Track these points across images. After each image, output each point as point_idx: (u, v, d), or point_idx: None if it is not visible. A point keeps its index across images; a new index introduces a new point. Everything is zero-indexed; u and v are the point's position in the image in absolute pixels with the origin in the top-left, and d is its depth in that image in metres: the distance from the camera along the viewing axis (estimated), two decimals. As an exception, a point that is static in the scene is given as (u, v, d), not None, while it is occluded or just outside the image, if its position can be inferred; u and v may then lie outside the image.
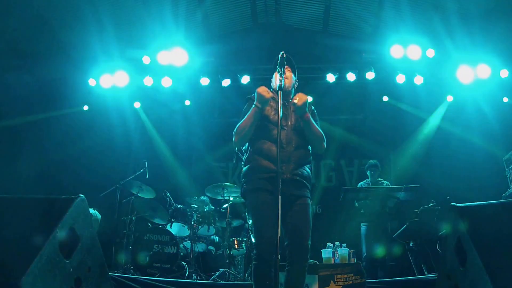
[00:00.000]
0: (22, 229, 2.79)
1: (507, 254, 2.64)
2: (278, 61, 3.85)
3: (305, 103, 3.99)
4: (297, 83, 4.46)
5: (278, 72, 3.80)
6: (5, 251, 2.63)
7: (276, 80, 3.99)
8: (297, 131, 4.08)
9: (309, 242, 3.85)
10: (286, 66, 3.94)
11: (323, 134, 4.14)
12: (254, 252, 3.82)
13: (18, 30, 9.38)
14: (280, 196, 3.30)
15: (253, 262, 3.81)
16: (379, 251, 7.84)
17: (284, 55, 3.88)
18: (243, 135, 4.06)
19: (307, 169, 4.08)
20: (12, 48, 9.62)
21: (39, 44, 9.89)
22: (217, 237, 8.60)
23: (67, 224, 2.84)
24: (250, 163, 4.04)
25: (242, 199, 7.96)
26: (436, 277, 5.42)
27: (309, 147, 4.18)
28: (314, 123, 4.08)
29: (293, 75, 4.32)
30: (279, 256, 3.17)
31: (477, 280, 2.65)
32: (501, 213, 2.91)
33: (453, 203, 3.07)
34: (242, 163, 4.22)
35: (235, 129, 4.10)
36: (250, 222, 7.44)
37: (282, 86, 3.71)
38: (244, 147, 4.30)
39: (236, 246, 7.89)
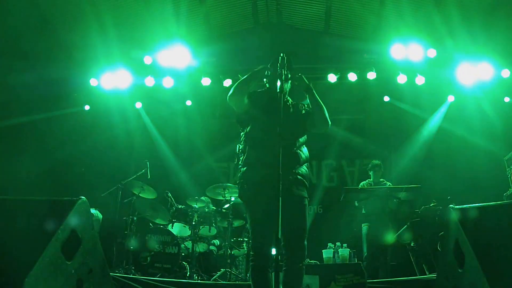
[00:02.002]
0: (25, 231, 2.82)
1: (504, 255, 2.66)
2: (279, 63, 3.87)
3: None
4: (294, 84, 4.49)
5: (278, 74, 3.81)
6: (8, 252, 2.66)
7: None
8: (295, 131, 4.11)
9: (305, 243, 3.87)
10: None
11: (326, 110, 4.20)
12: (251, 252, 3.85)
13: (20, 30, 9.41)
14: (280, 197, 3.30)
15: (250, 263, 3.83)
16: (380, 251, 7.85)
17: (285, 57, 3.91)
18: (235, 91, 4.19)
19: (304, 168, 4.10)
20: (14, 48, 9.65)
21: (41, 44, 9.90)
22: (218, 237, 8.61)
23: (68, 226, 2.87)
24: (248, 164, 4.06)
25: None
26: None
27: (305, 147, 4.20)
28: (319, 99, 4.20)
29: (290, 75, 4.35)
30: (279, 257, 3.18)
31: (475, 281, 2.67)
32: (498, 215, 2.93)
33: (451, 205, 3.09)
34: (240, 163, 4.22)
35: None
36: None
37: (283, 88, 3.72)
38: (241, 147, 4.31)
39: (237, 246, 7.92)
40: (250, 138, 4.14)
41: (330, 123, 4.23)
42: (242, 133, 4.28)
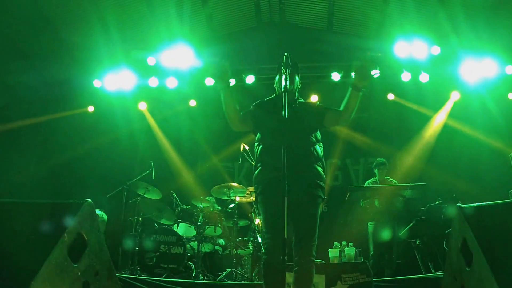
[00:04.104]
0: (31, 233, 2.82)
1: (512, 254, 2.65)
2: (283, 62, 3.87)
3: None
4: (300, 85, 4.48)
5: (282, 74, 3.80)
6: (14, 255, 2.66)
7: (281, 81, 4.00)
8: (304, 131, 4.10)
9: (314, 243, 3.86)
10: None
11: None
12: (264, 247, 3.86)
13: (23, 31, 9.42)
14: (287, 197, 3.29)
15: (263, 257, 3.86)
16: (386, 249, 7.84)
17: (289, 57, 3.90)
18: (229, 120, 4.29)
19: (317, 168, 4.07)
20: (16, 49, 9.66)
21: (44, 45, 9.91)
22: (223, 237, 8.61)
23: (74, 228, 2.87)
24: (259, 166, 4.09)
25: (248, 199, 8.05)
26: (443, 275, 5.42)
27: (318, 146, 4.18)
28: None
29: (297, 77, 4.34)
30: (285, 257, 3.18)
31: (483, 280, 2.65)
32: (506, 214, 2.91)
33: (458, 204, 3.07)
34: (253, 167, 4.26)
35: None
36: (257, 222, 7.52)
37: (288, 87, 3.71)
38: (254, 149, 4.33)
39: (242, 246, 7.92)
40: (260, 143, 4.19)
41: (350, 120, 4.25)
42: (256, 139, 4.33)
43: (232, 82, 10.29)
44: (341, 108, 4.17)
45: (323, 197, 4.04)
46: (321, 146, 4.20)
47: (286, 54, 3.89)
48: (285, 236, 3.13)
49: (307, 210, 3.91)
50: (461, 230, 3.01)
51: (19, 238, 2.79)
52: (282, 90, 3.69)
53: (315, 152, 4.10)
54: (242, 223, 8.44)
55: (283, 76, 3.75)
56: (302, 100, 4.44)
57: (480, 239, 2.75)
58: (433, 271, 7.19)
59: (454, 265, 3.16)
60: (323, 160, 4.18)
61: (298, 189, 3.79)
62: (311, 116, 4.21)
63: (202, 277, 7.45)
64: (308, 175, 3.97)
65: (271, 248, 3.80)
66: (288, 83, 3.70)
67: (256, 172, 4.13)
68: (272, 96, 4.45)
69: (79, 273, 2.84)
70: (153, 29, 10.35)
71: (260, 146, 4.17)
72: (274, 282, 3.70)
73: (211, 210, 8.35)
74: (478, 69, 9.70)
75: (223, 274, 7.34)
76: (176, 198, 8.53)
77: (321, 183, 4.04)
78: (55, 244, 2.69)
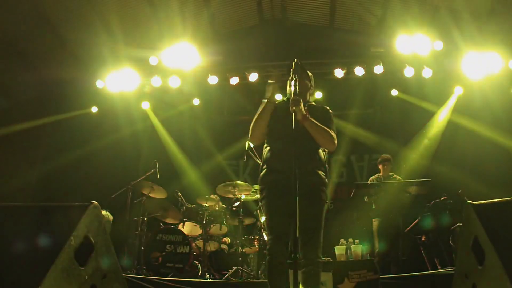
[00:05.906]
0: (37, 237, 2.80)
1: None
2: (292, 68, 3.89)
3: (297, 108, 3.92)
4: (312, 89, 4.48)
5: (291, 80, 3.83)
6: (20, 260, 2.64)
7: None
8: (310, 136, 4.08)
9: (320, 244, 3.86)
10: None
11: (332, 133, 4.10)
12: (267, 248, 3.86)
13: (24, 32, 9.39)
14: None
15: (267, 257, 3.86)
16: (392, 246, 7.81)
17: (299, 63, 3.92)
18: (254, 131, 4.16)
19: (319, 173, 4.07)
20: (18, 50, 9.64)
21: (46, 45, 9.90)
22: (229, 236, 8.60)
23: (81, 231, 2.84)
24: (265, 168, 4.10)
25: (253, 197, 8.03)
26: (449, 271, 5.40)
27: (321, 150, 4.17)
28: (317, 124, 4.02)
29: (307, 82, 4.34)
30: (297, 255, 3.18)
31: (496, 278, 2.62)
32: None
33: (468, 201, 3.04)
34: (260, 169, 4.25)
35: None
36: (263, 219, 7.50)
37: (297, 92, 3.74)
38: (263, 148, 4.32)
39: (248, 244, 7.90)
40: (268, 145, 4.21)
41: (336, 142, 4.14)
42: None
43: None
44: None
45: (325, 200, 4.04)
46: (324, 151, 4.19)
47: (295, 60, 3.91)
48: (297, 235, 3.13)
49: (311, 212, 3.89)
50: (472, 227, 2.97)
51: (25, 242, 2.77)
52: (290, 95, 3.74)
53: (318, 157, 4.10)
54: (247, 221, 8.42)
55: (292, 82, 3.82)
56: (313, 103, 4.42)
57: (492, 237, 2.72)
58: (439, 267, 7.17)
59: (465, 263, 3.13)
60: (326, 165, 4.17)
61: (301, 192, 3.78)
62: (318, 121, 4.18)
63: (208, 275, 7.44)
64: (311, 180, 3.96)
65: (274, 249, 3.80)
66: (297, 89, 3.73)
67: (262, 173, 4.14)
68: (283, 99, 4.44)
69: (87, 277, 2.82)
70: (156, 28, 10.33)
71: (268, 148, 4.17)
72: (279, 282, 3.70)
73: (216, 208, 8.34)
74: (481, 64, 9.64)
75: (229, 273, 7.33)
76: (181, 197, 8.50)
77: (323, 188, 4.04)
78: (62, 248, 2.67)
